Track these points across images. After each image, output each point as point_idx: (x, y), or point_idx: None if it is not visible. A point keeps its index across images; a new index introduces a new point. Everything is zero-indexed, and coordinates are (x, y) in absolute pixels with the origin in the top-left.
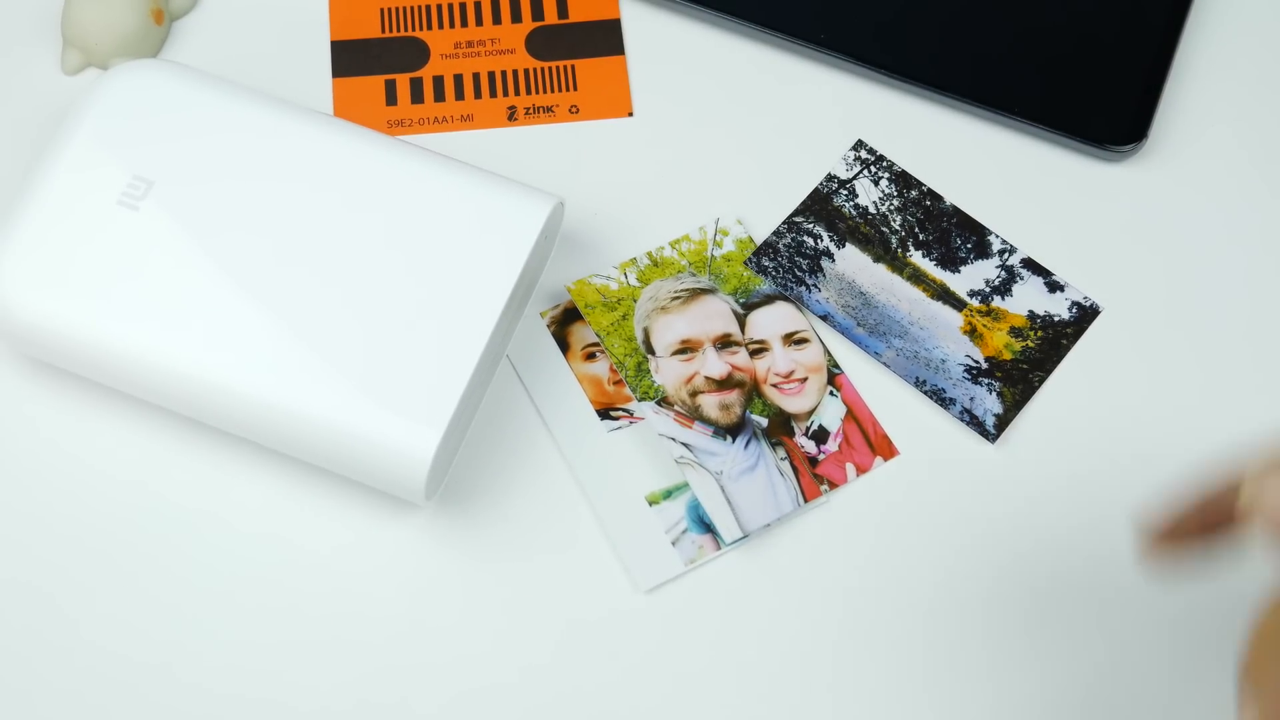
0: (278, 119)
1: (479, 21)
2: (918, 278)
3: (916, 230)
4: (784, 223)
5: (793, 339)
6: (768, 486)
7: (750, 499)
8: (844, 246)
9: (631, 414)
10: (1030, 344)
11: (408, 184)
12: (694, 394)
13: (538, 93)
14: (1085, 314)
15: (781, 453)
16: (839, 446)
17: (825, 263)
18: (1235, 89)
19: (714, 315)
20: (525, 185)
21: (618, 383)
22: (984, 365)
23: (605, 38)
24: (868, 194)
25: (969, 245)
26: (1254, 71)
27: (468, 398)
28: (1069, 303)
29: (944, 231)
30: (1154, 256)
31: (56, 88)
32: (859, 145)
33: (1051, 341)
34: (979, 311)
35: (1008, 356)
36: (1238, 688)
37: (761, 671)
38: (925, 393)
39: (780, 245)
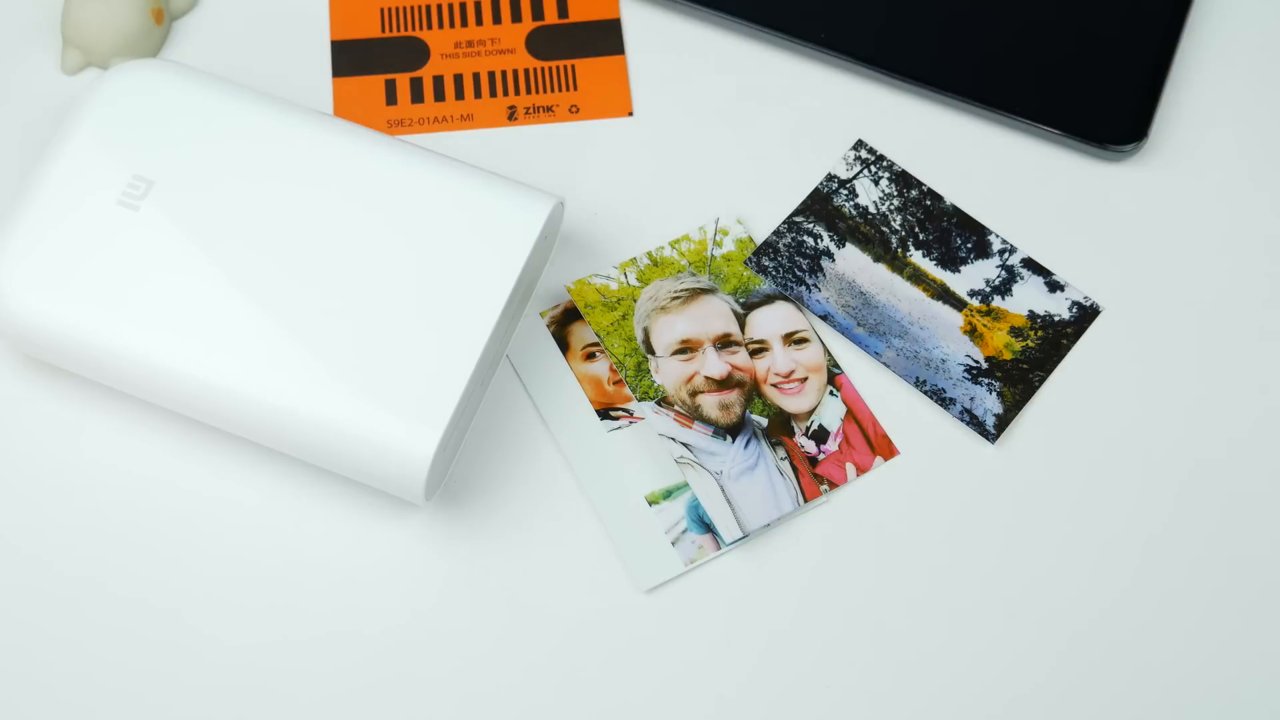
0: (278, 119)
1: (479, 21)
2: (918, 277)
3: (916, 230)
4: (784, 222)
5: (793, 339)
6: (768, 486)
7: (750, 499)
8: (844, 246)
9: (631, 414)
10: (1030, 344)
11: (407, 184)
12: (694, 394)
13: (538, 92)
14: (1085, 314)
15: (781, 452)
16: (839, 446)
17: (825, 262)
18: (1236, 88)
19: (714, 315)
20: (525, 185)
21: (618, 383)
22: (984, 365)
23: (605, 37)
24: (868, 194)
25: (969, 245)
26: (1254, 71)
27: (467, 398)
28: (1069, 303)
29: (944, 231)
30: (1154, 256)
31: (56, 88)
32: (859, 145)
33: (1052, 341)
34: (979, 311)
35: (1008, 356)
36: None
37: (761, 671)
38: (925, 393)
39: (780, 245)
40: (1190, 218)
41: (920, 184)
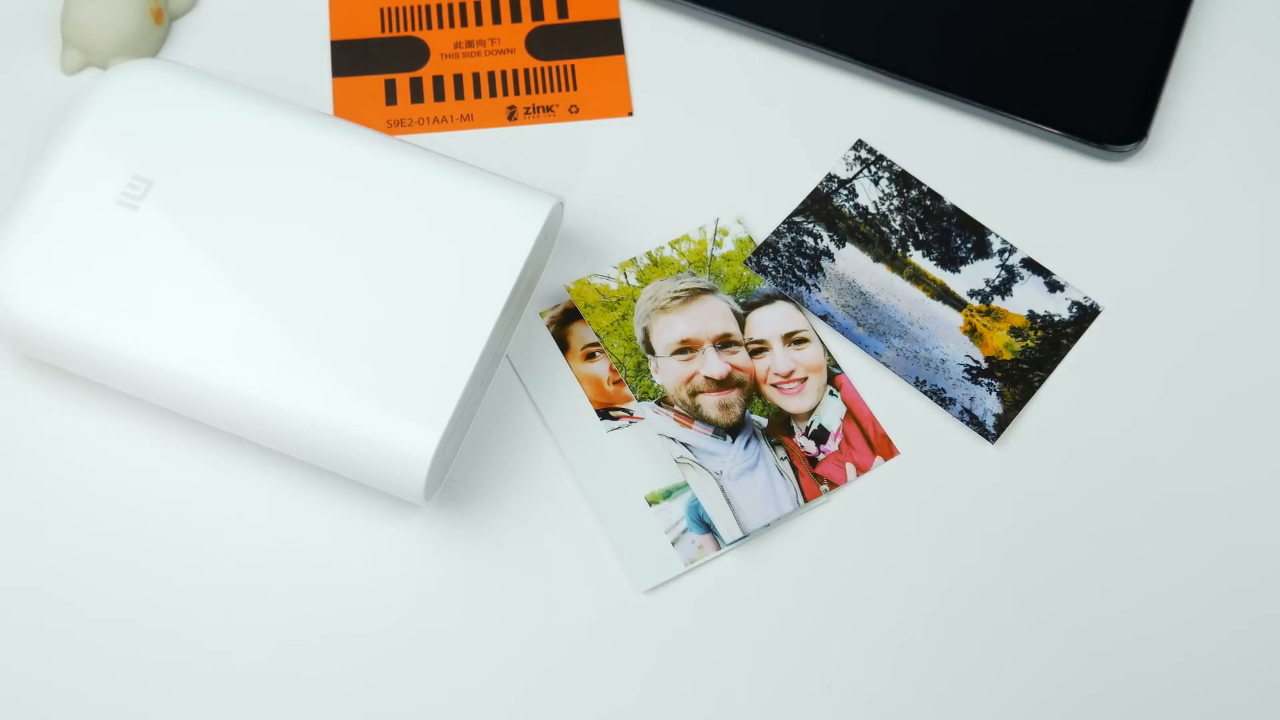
0: (277, 119)
1: (479, 21)
2: (918, 278)
3: (916, 230)
4: (784, 222)
5: (792, 339)
6: (767, 486)
7: (750, 499)
8: (844, 246)
9: (631, 414)
10: (1030, 344)
11: (407, 184)
12: (694, 394)
13: (537, 92)
14: (1085, 314)
15: (781, 452)
16: (839, 446)
17: (825, 262)
18: (1235, 89)
19: (714, 315)
20: (525, 185)
21: (617, 383)
22: (984, 365)
23: (605, 37)
24: (868, 194)
25: (969, 245)
26: (1254, 71)
27: (467, 398)
28: (1069, 302)
29: (944, 231)
30: (1154, 256)
31: (56, 87)
32: (859, 145)
33: (1051, 341)
34: (979, 311)
35: (1008, 356)
36: None
37: (761, 671)
38: (925, 393)
39: (780, 245)
40: (1190, 218)
41: (920, 184)
